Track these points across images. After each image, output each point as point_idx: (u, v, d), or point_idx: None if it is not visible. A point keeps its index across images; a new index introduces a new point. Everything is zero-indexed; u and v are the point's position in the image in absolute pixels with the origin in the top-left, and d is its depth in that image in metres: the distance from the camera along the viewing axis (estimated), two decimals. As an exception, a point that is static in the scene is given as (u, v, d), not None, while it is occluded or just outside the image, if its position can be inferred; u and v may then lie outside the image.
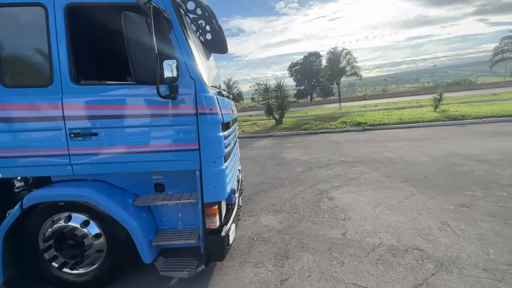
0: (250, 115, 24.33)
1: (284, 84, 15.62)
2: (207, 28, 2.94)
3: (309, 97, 59.25)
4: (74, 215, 2.32)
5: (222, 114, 2.34)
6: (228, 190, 2.48)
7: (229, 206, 2.74)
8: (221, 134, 2.34)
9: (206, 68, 2.62)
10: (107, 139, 2.21)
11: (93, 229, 2.31)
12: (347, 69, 25.87)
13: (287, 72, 58.89)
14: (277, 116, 15.79)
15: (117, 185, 2.44)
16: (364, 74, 28.52)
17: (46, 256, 2.31)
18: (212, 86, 2.60)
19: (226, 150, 2.49)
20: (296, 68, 56.59)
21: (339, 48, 26.67)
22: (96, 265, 2.38)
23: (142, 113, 2.24)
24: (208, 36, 3.06)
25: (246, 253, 2.82)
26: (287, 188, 4.68)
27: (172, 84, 2.19)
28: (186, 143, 2.27)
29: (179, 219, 2.54)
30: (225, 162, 2.41)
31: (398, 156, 6.29)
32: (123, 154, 2.23)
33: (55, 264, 2.34)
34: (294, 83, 59.65)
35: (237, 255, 2.81)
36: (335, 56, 26.56)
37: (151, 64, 1.93)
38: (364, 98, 50.34)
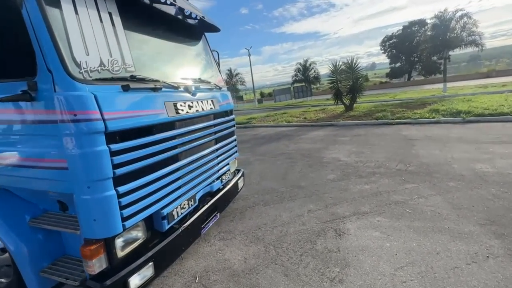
0: (327, 99, 21.96)
1: (357, 62, 13.05)
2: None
3: (405, 77, 49.55)
4: None
5: (121, 118, 1.67)
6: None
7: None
8: (102, 148, 1.63)
9: (108, 54, 1.87)
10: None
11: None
12: (462, 36, 19.63)
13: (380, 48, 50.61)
14: (346, 101, 13.52)
15: (22, 197, 2.14)
16: (497, 42, 21.01)
17: None
18: (179, 83, 1.88)
19: (183, 162, 2.26)
20: (391, 42, 47.70)
21: (451, 11, 20.32)
22: (10, 279, 2.21)
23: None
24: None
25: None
26: (294, 204, 3.58)
27: (31, 80, 1.62)
28: (53, 159, 1.70)
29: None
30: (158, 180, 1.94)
31: (499, 171, 3.96)
32: None
33: None
34: (388, 60, 50.82)
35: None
36: (443, 22, 20.51)
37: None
38: (488, 75, 37.96)
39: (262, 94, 69.29)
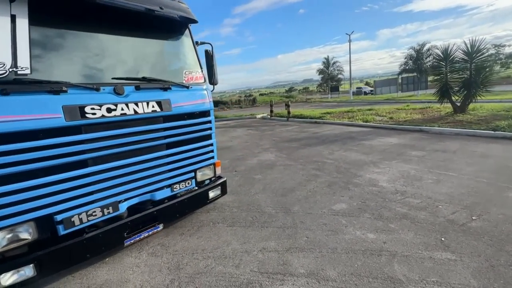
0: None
1: (481, 45, 9.21)
2: None
3: None
4: None
5: None
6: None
7: None
8: None
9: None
10: None
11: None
12: None
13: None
14: (458, 99, 9.96)
15: None
16: None
17: None
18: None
19: (91, 169, 2.21)
20: None
21: None
22: None
23: None
24: None
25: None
26: (257, 233, 2.87)
27: None
28: None
29: None
30: None
31: None
32: None
33: None
34: None
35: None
36: None
37: None
38: None
39: (367, 84, 61.59)
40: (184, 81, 2.98)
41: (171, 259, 2.57)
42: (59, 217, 2.13)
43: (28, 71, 1.99)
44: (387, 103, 20.27)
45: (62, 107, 2.06)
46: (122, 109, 2.38)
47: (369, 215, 3.09)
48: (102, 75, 2.43)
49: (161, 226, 2.84)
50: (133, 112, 2.45)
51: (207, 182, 3.41)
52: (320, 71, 44.02)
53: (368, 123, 10.16)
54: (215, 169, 3.45)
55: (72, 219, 2.21)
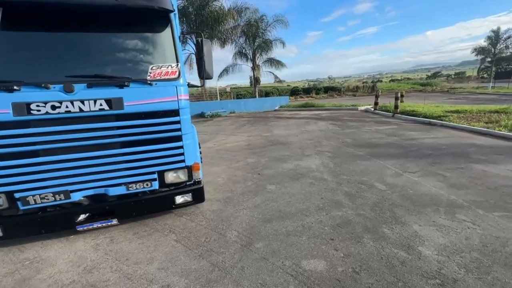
0: None
1: None
2: None
3: None
4: None
5: None
6: None
7: None
8: None
9: None
10: None
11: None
12: None
13: None
14: None
15: None
16: None
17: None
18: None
19: (41, 159, 2.48)
20: None
21: None
22: None
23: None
24: None
25: None
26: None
27: None
28: None
29: None
30: None
31: None
32: None
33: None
34: None
35: None
36: None
37: None
38: None
39: None
40: (148, 77, 2.76)
41: (98, 257, 2.59)
42: (17, 195, 2.55)
43: (-15, 71, 2.36)
44: None
45: (11, 103, 2.36)
46: (67, 107, 2.48)
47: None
48: (61, 74, 2.59)
49: (115, 221, 2.92)
50: (78, 110, 2.51)
51: (183, 185, 3.20)
52: (479, 51, 30.85)
53: (514, 134, 6.48)
54: (191, 173, 3.16)
55: (27, 199, 2.58)
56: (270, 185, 4.20)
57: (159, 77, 2.79)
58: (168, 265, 2.42)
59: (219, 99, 18.17)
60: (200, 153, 4.79)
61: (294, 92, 30.24)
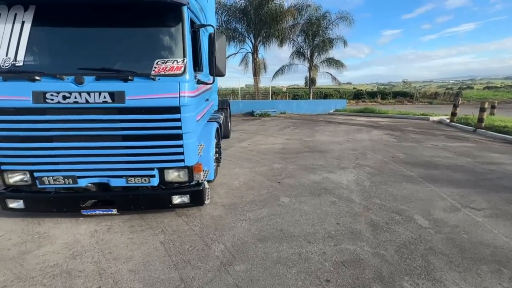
0: None
1: None
2: None
3: None
4: None
5: None
6: None
7: None
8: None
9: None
10: None
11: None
12: None
13: None
14: None
15: None
16: None
17: None
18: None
19: (54, 144, 2.72)
20: None
21: None
22: None
23: None
24: None
25: None
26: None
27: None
28: None
29: None
30: None
31: None
32: None
33: None
34: None
35: None
36: None
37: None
38: None
39: None
40: (153, 72, 2.71)
41: (89, 244, 2.68)
42: (36, 174, 2.84)
43: (21, 64, 2.65)
44: None
45: (32, 92, 2.61)
46: (75, 98, 2.61)
47: None
48: (75, 66, 2.74)
49: (114, 211, 3.01)
50: (84, 101, 2.62)
51: (185, 186, 3.14)
52: None
53: None
54: (191, 173, 3.04)
55: (43, 179, 2.85)
56: (285, 197, 3.76)
57: (163, 72, 2.72)
58: (141, 268, 2.31)
59: (270, 99, 18.00)
60: (220, 153, 4.70)
61: (356, 95, 27.80)
